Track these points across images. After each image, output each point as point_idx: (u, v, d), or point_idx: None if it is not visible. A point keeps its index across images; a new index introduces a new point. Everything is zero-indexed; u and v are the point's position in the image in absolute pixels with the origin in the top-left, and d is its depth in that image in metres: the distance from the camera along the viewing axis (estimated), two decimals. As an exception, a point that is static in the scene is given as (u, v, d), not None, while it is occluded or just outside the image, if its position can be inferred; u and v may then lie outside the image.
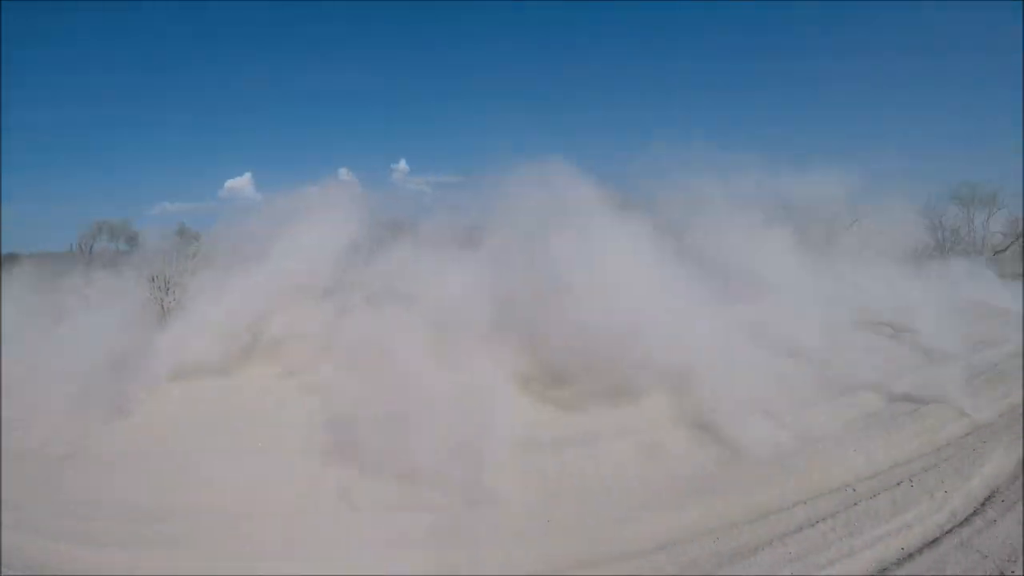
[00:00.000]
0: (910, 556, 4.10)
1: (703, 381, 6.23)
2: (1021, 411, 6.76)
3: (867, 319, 10.28)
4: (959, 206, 17.75)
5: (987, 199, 17.64)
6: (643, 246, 7.57)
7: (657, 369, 6.31)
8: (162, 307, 9.06)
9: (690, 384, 6.27)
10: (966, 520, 4.49)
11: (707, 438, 5.66)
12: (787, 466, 5.18)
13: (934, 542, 4.22)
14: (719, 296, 7.70)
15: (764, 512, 4.57)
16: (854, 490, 4.88)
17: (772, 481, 4.92)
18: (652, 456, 5.46)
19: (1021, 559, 3.97)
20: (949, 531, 4.38)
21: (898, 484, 4.94)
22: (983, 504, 4.75)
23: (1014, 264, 17.23)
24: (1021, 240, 17.90)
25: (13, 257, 13.33)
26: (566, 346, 6.39)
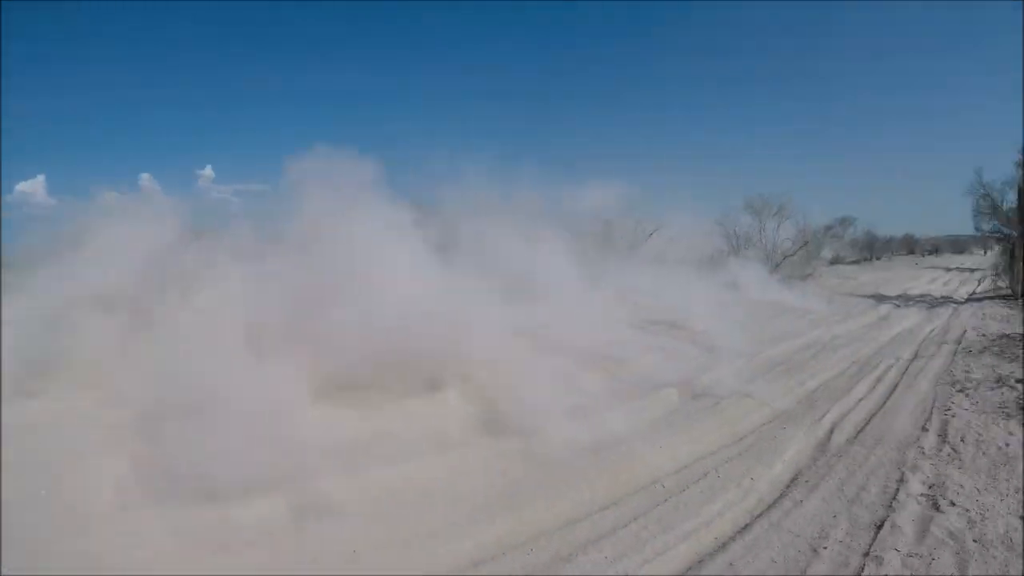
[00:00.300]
0: (723, 545, 3.93)
1: (499, 383, 6.07)
2: (815, 397, 7.34)
3: (661, 320, 11.08)
4: (752, 215, 20.42)
5: (777, 209, 20.42)
6: (418, 247, 7.65)
7: (451, 371, 6.31)
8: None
9: (485, 387, 6.10)
10: (774, 503, 4.55)
11: (509, 444, 5.26)
12: (593, 468, 4.97)
13: (745, 528, 4.17)
14: (504, 298, 7.82)
15: (575, 517, 4.32)
16: (663, 486, 4.86)
17: (579, 484, 4.72)
18: (455, 465, 4.85)
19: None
20: (759, 515, 4.37)
21: (705, 476, 5.02)
22: (788, 487, 4.90)
23: (801, 267, 19.99)
24: (807, 246, 20.55)
25: None
26: (356, 347, 6.01)
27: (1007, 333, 11.17)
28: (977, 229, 20.04)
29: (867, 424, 6.31)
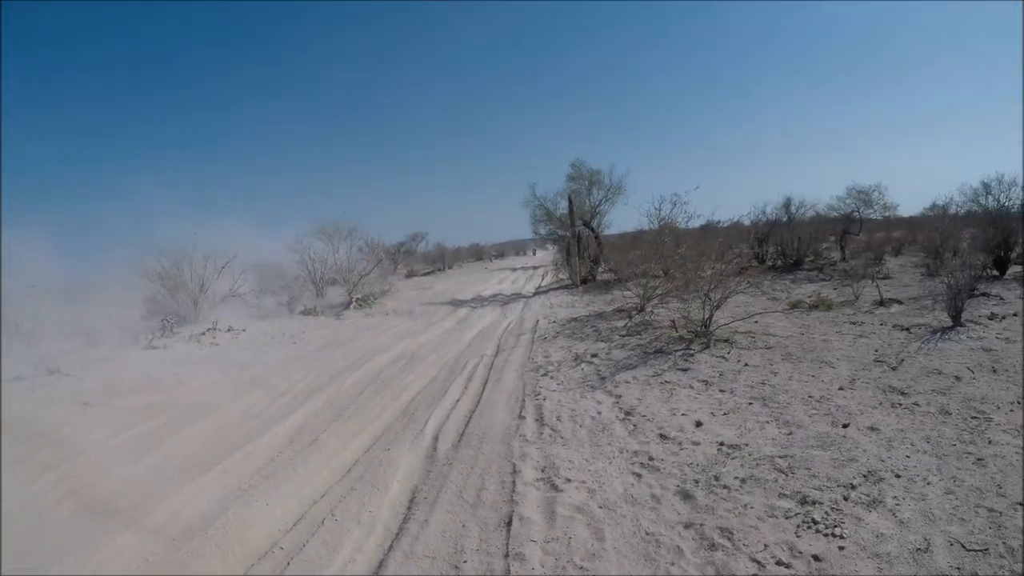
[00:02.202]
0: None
1: None
2: (412, 408, 7.87)
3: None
4: (325, 239, 23.68)
5: (348, 232, 24.14)
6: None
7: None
8: None
9: None
10: (401, 531, 4.54)
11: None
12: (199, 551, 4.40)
13: (381, 566, 4.02)
14: None
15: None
16: (282, 548, 4.37)
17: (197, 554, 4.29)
18: None
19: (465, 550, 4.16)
20: (391, 548, 4.28)
21: (323, 523, 4.71)
22: (409, 508, 4.98)
23: (379, 284, 24.53)
24: (381, 263, 24.89)
25: None
26: None
27: (574, 317, 14.41)
28: (536, 233, 26.72)
29: (468, 424, 6.99)
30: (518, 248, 68.69)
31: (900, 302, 12.03)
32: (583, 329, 12.43)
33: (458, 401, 8.05)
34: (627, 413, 6.61)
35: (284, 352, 13.42)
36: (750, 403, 6.47)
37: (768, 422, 5.86)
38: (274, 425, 7.30)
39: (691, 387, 7.30)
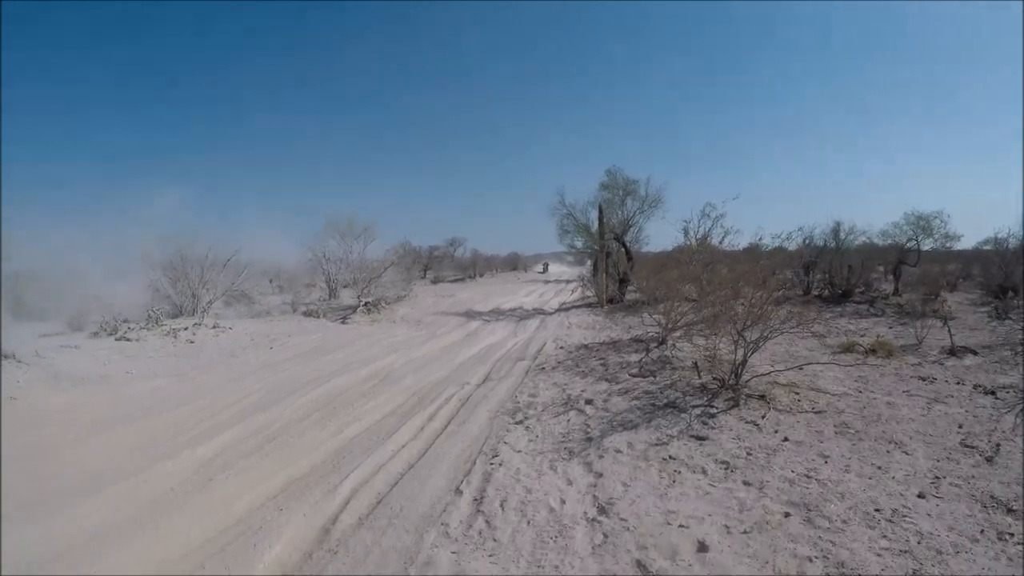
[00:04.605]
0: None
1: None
2: (349, 449, 6.12)
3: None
4: (336, 238, 22.80)
5: (362, 231, 23.12)
6: None
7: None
8: None
9: None
10: None
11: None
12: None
13: None
14: None
15: None
16: None
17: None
18: None
19: None
20: None
21: None
22: None
23: (397, 288, 23.30)
24: (393, 266, 23.57)
25: None
26: None
27: (585, 343, 12.24)
28: (570, 246, 24.07)
29: (393, 488, 5.17)
30: (560, 260, 65.32)
31: (974, 352, 9.71)
32: (589, 361, 10.24)
33: (402, 448, 6.26)
34: (601, 510, 4.43)
35: (255, 358, 11.84)
36: (786, 514, 4.24)
37: (811, 558, 3.64)
38: (189, 449, 6.20)
39: (704, 471, 5.05)
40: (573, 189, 47.43)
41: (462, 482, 5.13)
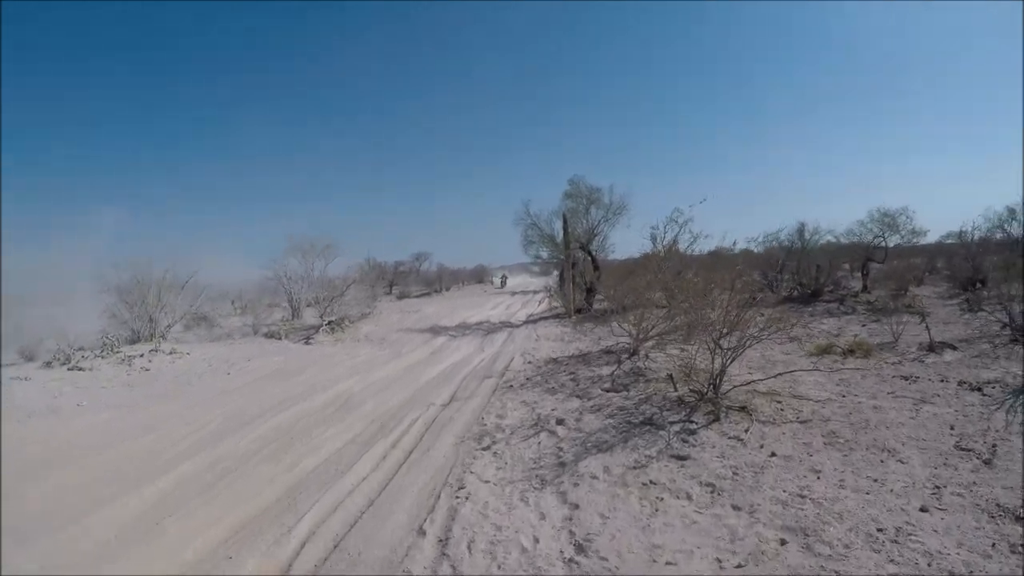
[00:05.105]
0: None
1: None
2: (304, 486, 5.52)
3: None
4: (299, 257, 22.59)
5: (323, 249, 23.02)
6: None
7: None
8: None
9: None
10: None
11: None
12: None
13: None
14: None
15: None
16: None
17: None
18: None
19: None
20: None
21: None
22: None
23: (361, 305, 23.36)
24: (354, 284, 23.22)
25: None
26: None
27: (555, 356, 11.79)
28: (536, 257, 23.56)
29: (352, 528, 4.68)
30: (527, 270, 62.75)
31: (954, 347, 9.55)
32: (559, 375, 9.79)
33: (362, 481, 5.78)
34: (579, 548, 3.96)
35: (210, 385, 11.18)
36: (783, 541, 3.82)
37: (818, 594, 3.23)
38: (135, 490, 5.68)
39: (688, 496, 4.60)
40: (540, 198, 46.92)
41: (425, 520, 4.63)
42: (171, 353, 13.86)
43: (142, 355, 13.33)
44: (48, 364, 12.21)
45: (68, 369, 11.74)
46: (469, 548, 4.07)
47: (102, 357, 12.87)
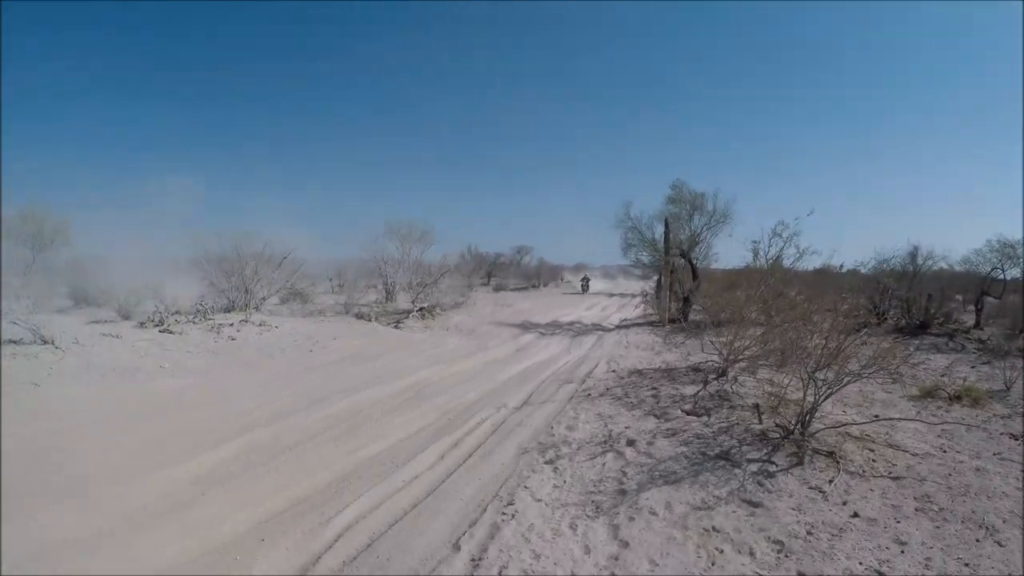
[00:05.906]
0: None
1: None
2: (358, 474, 5.52)
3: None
4: (396, 241, 23.40)
5: (420, 235, 23.82)
6: None
7: None
8: None
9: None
10: None
11: None
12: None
13: None
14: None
15: None
16: None
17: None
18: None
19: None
20: None
21: None
22: None
23: (455, 295, 23.90)
24: (448, 272, 23.69)
25: None
26: None
27: (639, 368, 11.37)
28: (636, 260, 22.94)
29: (389, 529, 4.58)
30: (628, 272, 60.41)
31: (1077, 404, 8.33)
32: (640, 390, 9.36)
33: (415, 479, 5.71)
34: (618, 594, 3.68)
35: (292, 361, 11.56)
36: (851, 628, 3.36)
37: None
38: (192, 457, 5.87)
39: (751, 553, 4.15)
40: (641, 201, 45.45)
41: (464, 534, 4.45)
42: (260, 325, 14.46)
43: (232, 324, 14.00)
44: (142, 324, 12.97)
45: (160, 331, 12.44)
46: (502, 571, 3.85)
47: (193, 323, 13.57)
